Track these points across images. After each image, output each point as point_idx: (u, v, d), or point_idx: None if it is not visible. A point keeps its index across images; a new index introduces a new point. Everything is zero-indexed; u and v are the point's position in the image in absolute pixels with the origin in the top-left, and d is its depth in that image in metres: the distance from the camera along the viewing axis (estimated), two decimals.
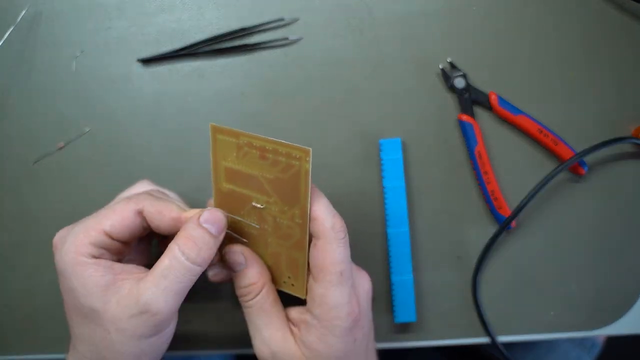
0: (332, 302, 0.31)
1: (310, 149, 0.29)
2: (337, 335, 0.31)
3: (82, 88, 0.43)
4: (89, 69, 0.43)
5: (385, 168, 0.41)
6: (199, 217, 0.31)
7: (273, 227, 0.33)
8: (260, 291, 0.34)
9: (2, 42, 0.43)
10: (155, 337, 0.30)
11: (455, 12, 0.42)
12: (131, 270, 0.31)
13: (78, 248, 0.31)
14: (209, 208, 0.32)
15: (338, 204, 0.43)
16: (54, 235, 0.43)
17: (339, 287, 0.31)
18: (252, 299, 0.34)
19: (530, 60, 0.42)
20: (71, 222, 0.43)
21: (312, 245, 0.32)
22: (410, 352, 0.46)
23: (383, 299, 0.42)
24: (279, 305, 0.35)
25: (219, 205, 0.34)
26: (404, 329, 0.43)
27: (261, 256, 0.35)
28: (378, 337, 0.43)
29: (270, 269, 0.35)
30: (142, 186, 0.37)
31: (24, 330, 0.43)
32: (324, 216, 0.31)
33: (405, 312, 0.41)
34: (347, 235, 0.32)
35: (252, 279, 0.33)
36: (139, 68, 0.43)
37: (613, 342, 0.69)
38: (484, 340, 0.42)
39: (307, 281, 0.33)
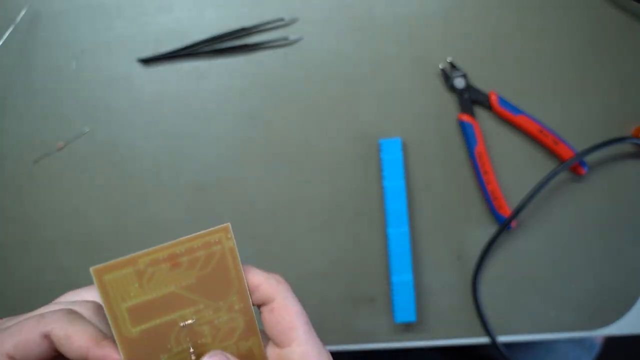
0: (315, 355, 0.28)
1: (228, 223, 0.27)
2: None
3: (82, 88, 0.43)
4: (89, 69, 0.43)
5: (385, 168, 0.41)
6: None
7: (212, 334, 0.28)
8: None
9: (1, 42, 0.43)
10: None
11: (455, 12, 0.42)
12: None
13: None
14: None
15: (338, 204, 0.43)
16: (54, 235, 0.44)
17: (313, 337, 0.29)
18: None
19: (530, 60, 0.42)
20: (71, 222, 0.44)
21: (265, 311, 0.29)
22: (410, 352, 0.46)
23: (383, 299, 0.42)
24: None
25: (130, 358, 0.27)
26: (404, 329, 0.43)
27: None
28: (378, 337, 0.43)
29: None
30: (91, 294, 0.32)
31: None
32: (265, 278, 0.28)
33: (405, 312, 0.41)
34: None
35: None
36: (139, 68, 0.43)
37: (612, 343, 0.69)
38: (484, 340, 0.42)
39: None
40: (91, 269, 0.26)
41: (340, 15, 0.43)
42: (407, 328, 0.42)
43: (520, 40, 0.42)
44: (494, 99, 0.41)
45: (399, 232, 0.41)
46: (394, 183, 0.41)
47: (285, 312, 0.28)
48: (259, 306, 0.29)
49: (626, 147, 0.42)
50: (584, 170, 0.42)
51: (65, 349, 0.27)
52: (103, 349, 0.27)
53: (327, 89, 0.43)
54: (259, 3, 0.43)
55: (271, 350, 0.29)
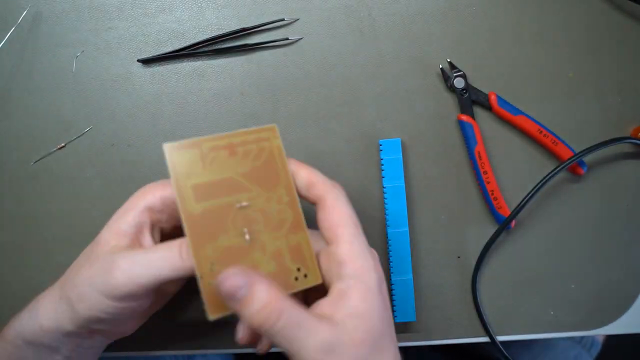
0: (360, 252, 0.29)
1: (275, 124, 0.31)
2: (374, 291, 0.29)
3: (82, 88, 0.43)
4: (89, 69, 0.43)
5: (385, 168, 0.41)
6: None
7: (264, 222, 0.31)
8: (282, 308, 0.27)
9: (3, 42, 0.43)
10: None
11: (455, 12, 0.42)
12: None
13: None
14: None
15: None
16: (54, 235, 0.43)
17: (360, 237, 0.30)
18: (276, 321, 0.27)
19: (530, 60, 0.42)
20: (71, 222, 0.43)
21: (318, 209, 0.31)
22: (410, 351, 0.46)
23: None
24: (302, 306, 0.28)
25: (194, 234, 0.29)
26: (404, 328, 0.43)
27: (262, 265, 0.31)
28: None
29: (277, 275, 0.31)
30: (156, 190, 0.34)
31: None
32: (322, 178, 0.31)
33: (405, 311, 0.41)
34: None
35: (264, 297, 0.27)
36: (139, 68, 0.43)
37: (613, 342, 0.69)
38: (483, 339, 0.43)
39: (319, 259, 0.32)
40: (164, 146, 0.30)
41: (340, 15, 0.43)
42: (407, 328, 0.43)
43: (520, 41, 0.42)
44: (493, 99, 0.41)
45: (399, 232, 0.41)
46: (394, 183, 0.41)
47: (335, 212, 0.30)
48: (314, 204, 0.32)
49: (625, 147, 0.42)
50: (582, 171, 0.42)
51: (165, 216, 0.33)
52: None
53: (327, 89, 0.43)
54: (259, 3, 0.43)
55: (321, 247, 0.31)
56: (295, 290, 0.31)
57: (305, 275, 0.31)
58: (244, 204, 0.30)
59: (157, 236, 0.33)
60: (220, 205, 0.30)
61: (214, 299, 0.29)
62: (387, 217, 0.41)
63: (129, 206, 0.32)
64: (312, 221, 0.32)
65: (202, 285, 0.29)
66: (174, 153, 0.30)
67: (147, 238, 0.32)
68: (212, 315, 0.29)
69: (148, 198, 0.31)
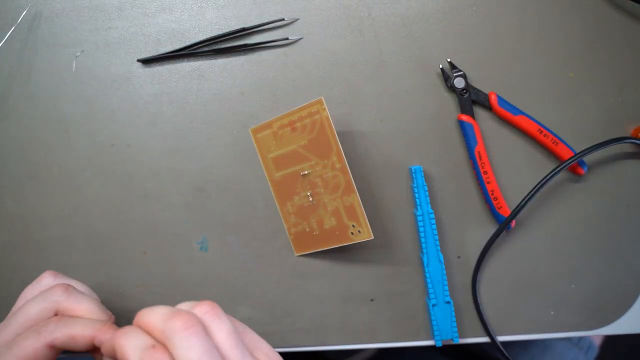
0: None
1: (322, 97, 0.35)
2: None
3: (82, 88, 0.43)
4: (89, 69, 0.43)
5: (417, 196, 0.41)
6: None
7: (323, 186, 0.37)
8: None
9: (2, 42, 0.43)
10: None
11: (455, 12, 0.42)
12: None
13: None
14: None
15: None
16: (54, 235, 0.44)
17: None
18: None
19: (530, 60, 0.42)
20: (71, 222, 0.44)
21: None
22: (410, 351, 0.46)
23: (383, 298, 0.43)
24: None
25: (278, 195, 0.40)
26: (404, 329, 0.43)
27: (325, 220, 0.38)
28: (378, 337, 0.43)
29: (337, 228, 0.38)
30: (47, 282, 0.34)
31: None
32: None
33: (446, 331, 0.41)
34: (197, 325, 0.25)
35: None
36: (139, 68, 0.43)
37: (609, 345, 0.69)
38: (483, 339, 0.43)
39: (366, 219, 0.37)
40: (250, 130, 0.40)
41: (340, 15, 0.43)
42: (407, 328, 0.43)
43: (520, 40, 0.42)
44: (493, 99, 0.41)
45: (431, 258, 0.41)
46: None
47: None
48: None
49: (625, 147, 0.42)
50: (583, 170, 0.42)
51: (73, 347, 0.30)
52: (106, 333, 0.29)
53: (327, 88, 0.43)
54: (259, 3, 0.43)
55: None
56: (354, 242, 0.38)
57: (359, 232, 0.37)
58: (306, 172, 0.38)
59: None
60: (291, 173, 0.38)
61: (298, 242, 0.41)
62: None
63: None
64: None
65: (289, 233, 0.41)
66: (257, 134, 0.39)
67: None
68: (297, 253, 0.42)
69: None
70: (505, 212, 0.41)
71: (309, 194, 0.38)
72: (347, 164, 0.36)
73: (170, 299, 0.44)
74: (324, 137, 0.36)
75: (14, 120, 0.44)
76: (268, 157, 0.39)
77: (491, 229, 0.42)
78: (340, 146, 0.36)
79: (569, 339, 0.62)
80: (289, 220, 0.40)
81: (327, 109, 0.35)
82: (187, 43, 0.43)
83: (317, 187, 0.38)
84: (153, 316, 0.25)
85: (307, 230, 0.40)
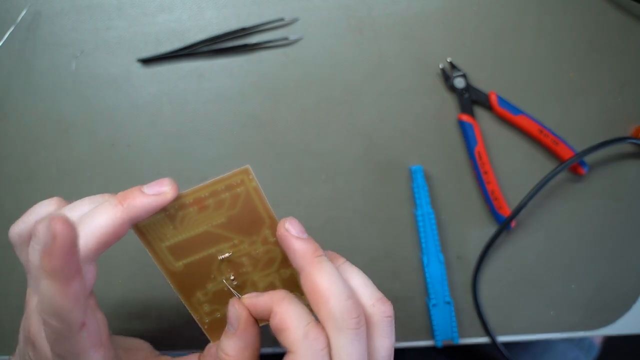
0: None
1: (248, 165, 0.28)
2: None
3: (82, 88, 0.43)
4: (89, 69, 0.43)
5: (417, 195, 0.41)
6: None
7: (252, 264, 0.30)
8: None
9: (2, 42, 0.43)
10: None
11: (455, 12, 0.42)
12: None
13: None
14: None
15: (337, 204, 0.43)
16: None
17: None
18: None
19: (530, 60, 0.42)
20: None
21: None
22: (410, 352, 0.46)
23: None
24: None
25: (181, 288, 0.30)
26: (404, 329, 0.43)
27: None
28: None
29: None
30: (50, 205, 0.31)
31: None
32: (294, 325, 0.26)
33: (445, 332, 0.41)
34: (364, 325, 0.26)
35: (231, 350, 0.27)
36: (139, 68, 0.43)
37: (610, 345, 0.69)
38: (483, 340, 0.42)
39: None
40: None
41: (340, 15, 0.43)
42: (407, 328, 0.42)
43: (520, 40, 0.42)
44: (493, 99, 0.41)
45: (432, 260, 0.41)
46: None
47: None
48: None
49: (626, 147, 0.42)
50: (583, 170, 0.42)
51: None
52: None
53: (327, 88, 0.43)
54: (259, 3, 0.43)
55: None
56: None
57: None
58: (226, 255, 0.29)
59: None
60: (201, 258, 0.29)
61: (217, 330, 0.31)
62: None
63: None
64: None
65: (201, 325, 0.31)
66: (139, 223, 0.28)
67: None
68: (214, 341, 0.32)
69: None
70: (505, 212, 0.41)
71: (231, 277, 0.30)
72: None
73: (170, 300, 0.44)
74: (251, 211, 0.29)
75: (14, 120, 0.44)
76: (162, 247, 0.29)
77: (491, 229, 0.42)
78: (276, 217, 0.29)
79: (570, 339, 0.62)
80: (200, 310, 0.31)
81: (254, 178, 0.28)
82: (187, 43, 0.43)
83: (242, 266, 0.30)
84: (333, 299, 0.25)
85: None
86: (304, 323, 0.26)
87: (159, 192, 0.26)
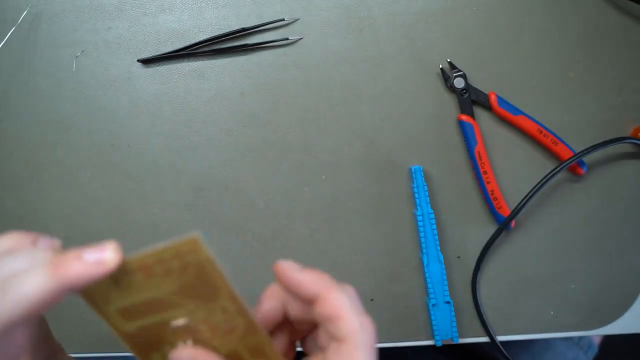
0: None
1: (196, 235, 0.24)
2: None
3: (82, 88, 0.43)
4: (89, 69, 0.43)
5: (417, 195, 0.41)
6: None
7: (211, 330, 0.28)
8: None
9: (3, 42, 0.43)
10: None
11: (455, 12, 0.42)
12: None
13: None
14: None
15: (337, 204, 0.43)
16: (54, 235, 0.43)
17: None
18: None
19: (530, 61, 0.42)
20: (71, 222, 0.43)
21: (332, 351, 0.26)
22: (410, 351, 0.46)
23: (383, 299, 0.43)
24: None
25: (136, 348, 0.28)
26: (404, 329, 0.43)
27: None
28: (378, 337, 0.43)
29: None
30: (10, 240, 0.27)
31: None
32: (349, 313, 0.25)
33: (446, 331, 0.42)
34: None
35: None
36: (139, 68, 0.43)
37: (609, 345, 0.69)
38: (483, 339, 0.43)
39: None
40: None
41: (340, 15, 0.43)
42: (408, 328, 0.43)
43: (520, 41, 0.42)
44: (493, 99, 0.41)
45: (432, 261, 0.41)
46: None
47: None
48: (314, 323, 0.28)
49: (625, 147, 0.42)
50: (582, 171, 0.42)
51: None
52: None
53: (327, 89, 0.43)
54: (259, 3, 0.43)
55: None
56: None
57: None
58: (180, 322, 0.27)
59: None
60: (154, 323, 0.27)
61: None
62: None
63: None
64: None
65: None
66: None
67: None
68: None
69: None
70: (505, 212, 0.41)
71: (188, 342, 0.28)
72: (245, 305, 0.27)
73: None
74: (205, 280, 0.26)
75: (14, 120, 0.44)
76: (110, 309, 0.26)
77: (491, 229, 0.42)
78: (233, 288, 0.26)
79: (569, 339, 0.62)
80: None
81: (206, 249, 0.24)
82: (187, 43, 0.43)
83: (200, 332, 0.28)
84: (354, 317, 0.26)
85: None
86: (359, 313, 0.25)
87: (99, 260, 0.24)
